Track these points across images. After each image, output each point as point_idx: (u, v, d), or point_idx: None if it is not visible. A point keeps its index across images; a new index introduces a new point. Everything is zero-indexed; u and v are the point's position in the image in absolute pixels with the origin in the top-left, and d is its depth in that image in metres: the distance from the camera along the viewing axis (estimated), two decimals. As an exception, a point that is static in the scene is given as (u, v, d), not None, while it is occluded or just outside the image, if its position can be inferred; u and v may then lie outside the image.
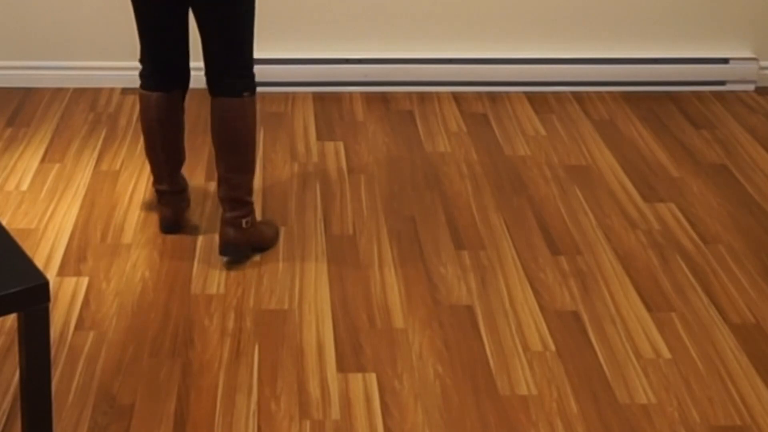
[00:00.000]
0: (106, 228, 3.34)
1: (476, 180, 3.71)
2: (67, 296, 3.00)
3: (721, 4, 4.48)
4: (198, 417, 2.56)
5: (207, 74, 3.11)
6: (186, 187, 3.36)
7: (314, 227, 3.36)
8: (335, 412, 2.59)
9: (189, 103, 4.26)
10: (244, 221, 3.13)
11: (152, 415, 2.56)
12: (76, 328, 2.87)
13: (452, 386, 2.69)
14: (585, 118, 4.24)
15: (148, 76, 3.20)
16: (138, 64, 3.22)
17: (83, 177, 3.65)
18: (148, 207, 3.44)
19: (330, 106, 4.25)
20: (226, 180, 3.12)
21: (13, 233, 2.53)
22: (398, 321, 2.94)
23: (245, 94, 3.08)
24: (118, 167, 3.72)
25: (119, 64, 4.36)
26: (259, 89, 3.96)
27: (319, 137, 3.99)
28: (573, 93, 4.46)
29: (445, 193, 3.61)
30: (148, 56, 3.19)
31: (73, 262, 3.16)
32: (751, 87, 4.57)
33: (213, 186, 3.58)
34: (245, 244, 3.15)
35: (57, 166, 3.72)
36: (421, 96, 4.38)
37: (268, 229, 3.26)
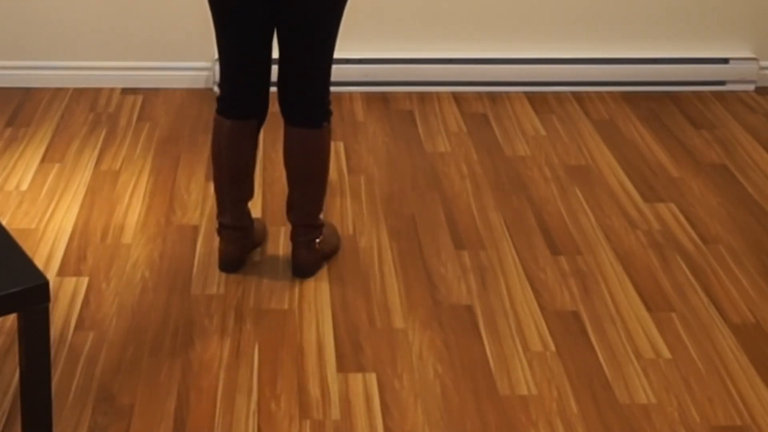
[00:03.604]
0: (106, 228, 3.34)
1: (476, 180, 3.71)
2: (67, 296, 3.00)
3: (721, 4, 4.48)
4: (198, 417, 2.56)
5: (283, 99, 2.98)
6: (251, 225, 3.16)
7: (314, 227, 3.36)
8: (335, 412, 2.59)
9: (192, 101, 4.28)
10: (316, 242, 3.11)
11: (152, 415, 2.56)
12: (76, 328, 2.86)
13: (452, 386, 2.69)
14: (585, 118, 4.24)
15: (225, 100, 3.01)
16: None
17: (83, 177, 3.65)
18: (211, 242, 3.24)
19: (330, 106, 4.24)
20: (300, 206, 3.08)
21: (13, 233, 2.53)
22: (398, 321, 2.94)
23: (324, 124, 2.98)
24: (118, 167, 3.72)
25: (119, 64, 4.36)
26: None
27: (319, 137, 3.99)
28: (573, 93, 4.46)
29: (445, 193, 3.61)
30: (226, 79, 3.00)
31: (73, 262, 3.16)
32: (751, 87, 4.57)
33: (213, 186, 3.57)
34: (317, 262, 3.14)
35: (57, 166, 3.72)
36: (421, 96, 4.38)
37: (332, 235, 3.23)
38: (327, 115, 3.00)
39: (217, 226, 3.14)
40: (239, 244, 3.12)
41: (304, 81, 2.95)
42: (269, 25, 2.90)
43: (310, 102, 2.97)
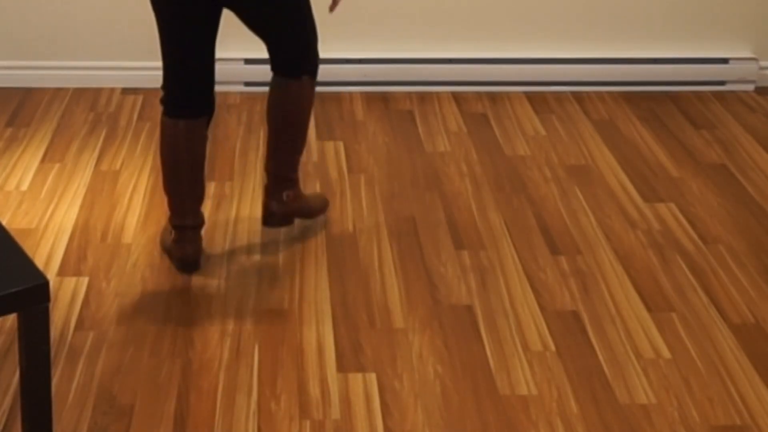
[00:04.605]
0: (106, 228, 3.34)
1: (476, 180, 3.71)
2: (67, 296, 3.00)
3: (721, 4, 4.48)
4: (198, 417, 2.56)
5: (277, 57, 3.08)
6: (203, 222, 3.19)
7: (314, 227, 3.36)
8: (335, 412, 2.59)
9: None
10: (284, 194, 3.21)
11: (152, 415, 2.56)
12: (76, 328, 2.86)
13: (452, 386, 2.69)
14: (585, 118, 4.24)
15: (174, 101, 3.00)
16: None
17: (83, 177, 3.65)
18: (161, 246, 3.22)
19: (330, 106, 4.25)
20: (276, 157, 3.18)
21: (13, 233, 2.53)
22: (398, 321, 2.94)
23: (304, 77, 3.08)
24: (118, 167, 3.72)
25: (119, 64, 4.36)
26: (259, 89, 3.97)
27: (319, 137, 3.99)
28: (573, 93, 4.46)
29: (445, 193, 3.61)
30: (175, 79, 2.98)
31: (73, 262, 3.16)
32: (751, 87, 4.57)
33: (213, 186, 3.58)
34: (286, 215, 3.26)
35: (57, 166, 3.72)
36: (421, 96, 4.38)
37: (314, 200, 3.36)
38: (308, 66, 3.10)
39: (173, 231, 3.11)
40: (198, 243, 3.14)
41: (292, 44, 3.04)
42: (216, 19, 2.94)
43: (303, 56, 3.07)
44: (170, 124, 3.01)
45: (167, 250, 3.16)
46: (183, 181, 3.07)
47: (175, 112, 3.00)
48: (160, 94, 3.02)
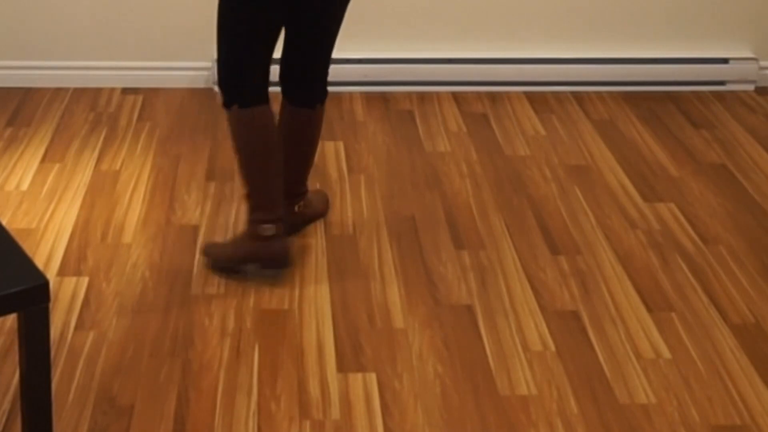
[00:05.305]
0: (106, 228, 3.34)
1: (476, 180, 3.71)
2: (67, 296, 3.00)
3: (721, 4, 4.48)
4: (198, 417, 2.56)
5: (293, 83, 3.10)
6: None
7: (314, 227, 3.37)
8: (335, 412, 2.59)
9: (192, 101, 4.28)
10: (296, 206, 3.27)
11: (152, 415, 2.56)
12: (76, 328, 2.87)
13: (452, 386, 2.69)
14: (585, 118, 4.24)
15: (253, 90, 2.96)
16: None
17: (83, 177, 3.65)
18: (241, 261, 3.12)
19: (330, 105, 4.24)
20: (288, 175, 3.16)
21: (13, 233, 2.53)
22: (398, 321, 2.94)
23: (318, 105, 3.13)
24: (118, 167, 3.72)
25: (119, 64, 4.36)
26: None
27: (319, 137, 3.99)
28: (573, 93, 4.46)
29: (445, 193, 3.61)
30: (252, 68, 2.95)
31: (73, 262, 3.16)
32: (751, 87, 4.57)
33: (213, 186, 3.58)
34: (297, 225, 3.30)
35: (57, 166, 3.72)
36: (421, 96, 4.38)
37: (318, 201, 3.40)
38: (324, 94, 3.15)
39: (270, 225, 3.03)
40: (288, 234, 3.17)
41: (317, 68, 3.10)
42: (285, 13, 2.95)
43: (319, 84, 3.13)
44: (255, 114, 2.96)
45: (249, 255, 3.07)
46: (274, 166, 3.03)
47: (255, 100, 2.96)
48: (221, 96, 2.98)
